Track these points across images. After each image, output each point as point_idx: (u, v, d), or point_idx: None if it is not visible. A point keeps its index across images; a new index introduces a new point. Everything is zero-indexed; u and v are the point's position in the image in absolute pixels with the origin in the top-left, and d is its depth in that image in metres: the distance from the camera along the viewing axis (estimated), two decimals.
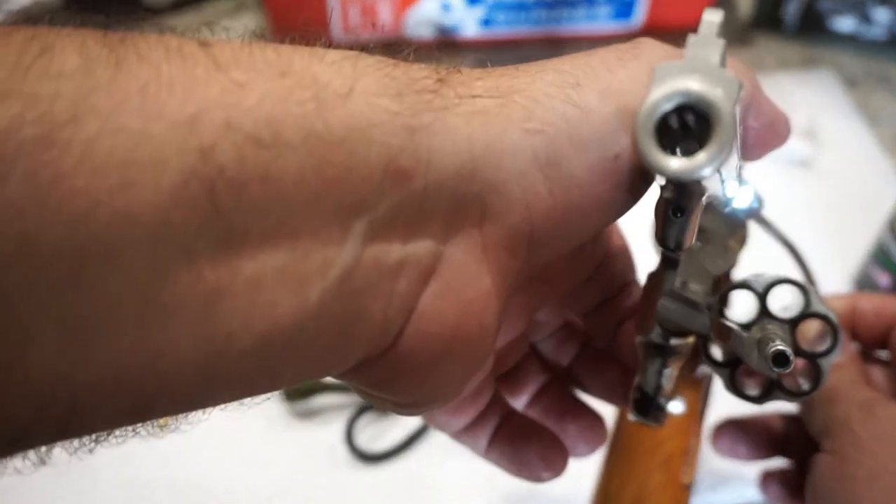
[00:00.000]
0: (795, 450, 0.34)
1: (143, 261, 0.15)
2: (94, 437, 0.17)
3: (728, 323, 0.27)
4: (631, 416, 0.28)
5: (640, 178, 0.21)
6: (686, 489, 0.36)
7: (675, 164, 0.17)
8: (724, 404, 0.37)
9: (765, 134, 0.27)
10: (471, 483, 0.48)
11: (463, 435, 0.30)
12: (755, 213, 0.32)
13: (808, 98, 0.75)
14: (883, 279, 0.55)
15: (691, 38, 0.18)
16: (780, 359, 0.24)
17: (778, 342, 0.24)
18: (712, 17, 0.19)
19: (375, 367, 0.20)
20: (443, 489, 0.47)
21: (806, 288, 0.28)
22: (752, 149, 0.27)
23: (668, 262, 0.26)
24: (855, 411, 0.30)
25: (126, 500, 0.47)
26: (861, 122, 0.74)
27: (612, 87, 0.21)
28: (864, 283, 0.57)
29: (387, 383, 0.21)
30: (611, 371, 0.31)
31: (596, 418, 0.32)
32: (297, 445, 0.50)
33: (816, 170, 0.69)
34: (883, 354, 0.36)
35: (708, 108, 0.17)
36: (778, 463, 0.36)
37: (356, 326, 0.18)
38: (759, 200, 0.32)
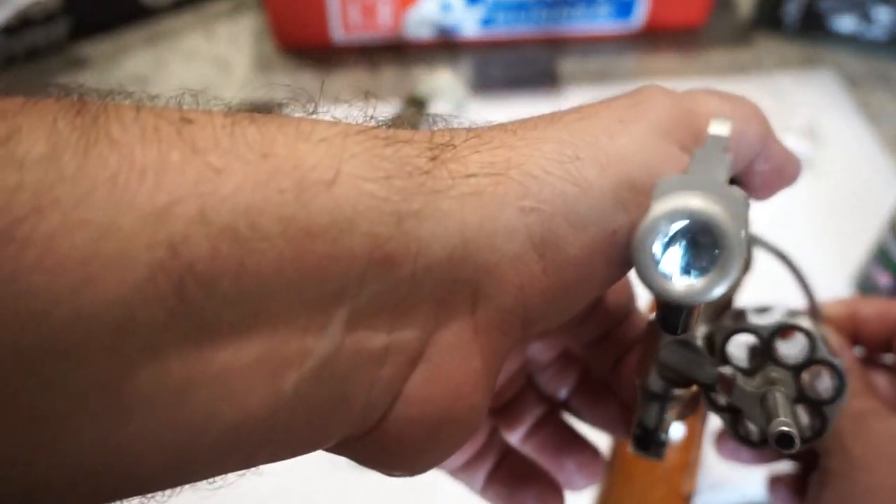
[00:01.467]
0: (801, 454, 0.34)
1: (105, 358, 0.14)
2: None
3: (730, 374, 0.26)
4: (631, 450, 0.28)
5: None
6: (687, 499, 0.36)
7: (678, 288, 0.16)
8: None
9: (773, 178, 0.26)
10: None
11: (458, 473, 0.30)
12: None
13: (809, 98, 0.75)
14: (883, 279, 0.55)
15: (697, 153, 0.17)
16: (785, 440, 0.23)
17: (781, 419, 0.23)
18: (720, 131, 0.17)
19: (358, 446, 0.20)
20: (442, 489, 0.47)
21: (811, 334, 0.27)
22: (759, 191, 0.27)
23: None
24: (849, 425, 0.30)
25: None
26: (861, 122, 0.73)
27: (611, 157, 0.20)
28: (865, 283, 0.57)
29: (372, 460, 0.20)
30: (610, 404, 0.31)
31: (593, 452, 0.31)
32: None
33: (817, 170, 0.69)
34: (887, 359, 0.35)
35: (713, 231, 0.16)
36: (784, 467, 0.36)
37: (335, 412, 0.18)
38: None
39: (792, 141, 0.69)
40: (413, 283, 0.18)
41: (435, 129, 0.21)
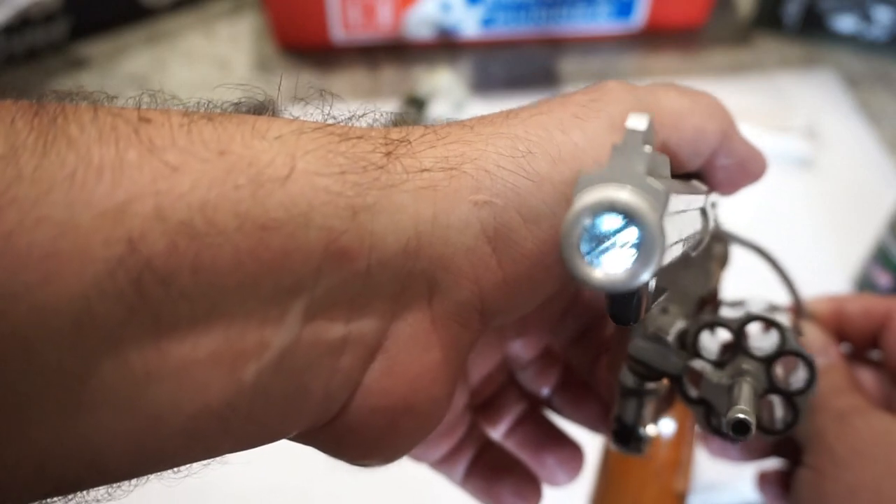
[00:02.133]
0: (790, 450, 0.34)
1: (64, 352, 0.15)
2: None
3: (698, 365, 0.27)
4: (611, 447, 0.28)
5: None
6: (681, 498, 0.36)
7: (599, 275, 0.16)
8: None
9: (736, 173, 0.26)
10: None
11: (439, 465, 0.30)
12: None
13: (809, 98, 0.75)
14: (883, 279, 0.55)
15: (615, 147, 0.17)
16: (740, 427, 0.23)
17: (740, 406, 0.23)
18: (636, 125, 0.18)
19: (320, 436, 0.20)
20: (442, 489, 0.47)
21: (780, 325, 0.27)
22: (723, 186, 0.27)
23: None
24: (832, 423, 0.30)
25: (122, 495, 0.47)
26: (862, 122, 0.73)
27: (564, 152, 0.21)
28: (865, 283, 0.57)
29: (334, 450, 0.21)
30: (591, 401, 0.31)
31: (574, 448, 0.31)
32: (296, 444, 0.50)
33: (817, 169, 0.69)
34: (873, 355, 0.35)
35: (633, 220, 0.16)
36: (773, 463, 0.36)
37: (295, 403, 0.18)
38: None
39: (792, 140, 0.69)
40: (368, 275, 0.18)
41: (391, 127, 0.21)
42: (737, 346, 0.28)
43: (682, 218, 0.20)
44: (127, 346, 0.15)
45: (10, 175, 0.14)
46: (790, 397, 0.27)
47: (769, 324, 0.28)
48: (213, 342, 0.16)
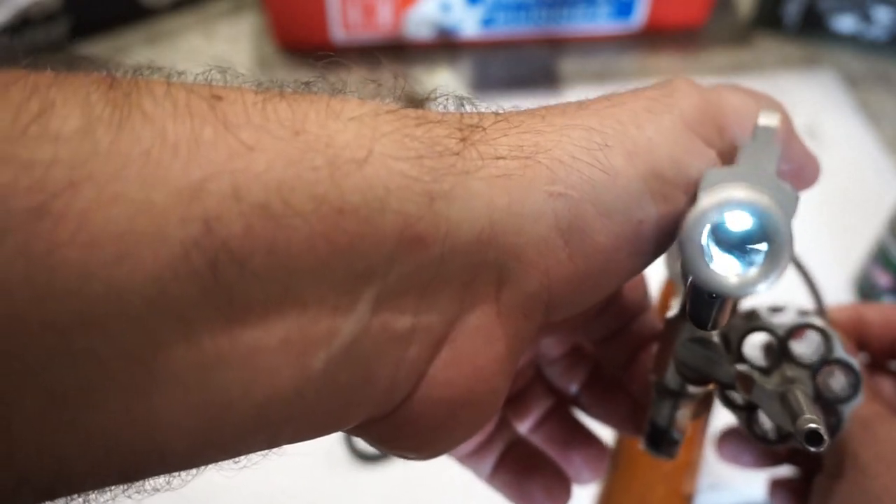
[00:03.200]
0: (803, 458, 0.33)
1: (137, 332, 0.15)
2: (80, 498, 0.16)
3: (748, 372, 0.26)
4: (642, 448, 0.28)
5: (660, 242, 0.21)
6: (688, 499, 0.36)
7: (732, 281, 0.16)
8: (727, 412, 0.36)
9: (794, 178, 0.25)
10: (471, 482, 0.48)
11: (467, 460, 0.30)
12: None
13: (809, 98, 0.75)
14: (883, 279, 0.55)
15: (746, 145, 0.16)
16: (814, 437, 0.22)
17: (808, 416, 0.23)
18: (769, 122, 0.17)
19: (379, 426, 0.20)
20: (442, 489, 0.47)
21: (827, 333, 0.27)
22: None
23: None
24: (856, 430, 0.29)
25: (122, 497, 0.47)
26: (862, 122, 0.73)
27: (639, 146, 0.20)
28: (865, 283, 0.57)
29: (390, 441, 0.20)
30: (620, 401, 0.31)
31: (600, 447, 0.31)
32: (296, 444, 0.50)
33: None
34: (893, 366, 0.35)
35: (763, 222, 0.15)
36: (785, 471, 0.36)
37: (361, 392, 0.18)
38: None
39: None
40: (441, 264, 0.18)
41: (463, 111, 0.21)
42: (782, 353, 0.27)
43: None
44: (199, 329, 0.15)
45: (87, 150, 0.14)
46: (834, 405, 0.27)
47: (815, 330, 0.27)
48: (284, 328, 0.16)
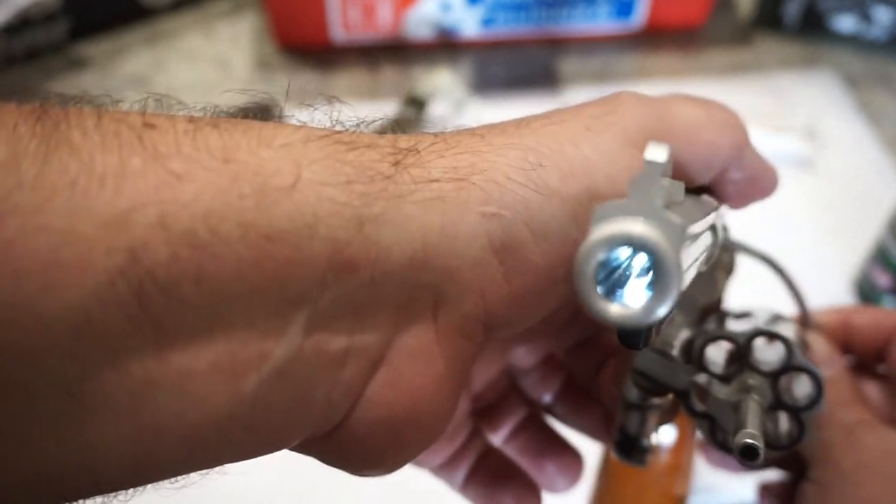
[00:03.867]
0: (792, 462, 0.33)
1: (65, 362, 0.15)
2: None
3: (703, 380, 0.27)
4: (614, 457, 0.28)
5: None
6: (680, 501, 0.36)
7: (615, 311, 0.16)
8: None
9: (747, 188, 0.26)
10: None
11: (439, 471, 0.30)
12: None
13: (809, 98, 0.75)
14: (883, 280, 0.55)
15: (634, 178, 0.17)
16: (748, 452, 0.23)
17: (748, 430, 0.23)
18: (655, 157, 0.17)
19: (322, 446, 0.20)
20: (442, 489, 0.47)
21: (787, 340, 0.27)
22: (733, 200, 0.26)
23: None
24: (839, 437, 0.29)
25: (122, 497, 0.47)
26: (862, 122, 0.73)
27: (575, 166, 0.20)
28: (865, 283, 0.57)
29: (336, 460, 0.21)
30: (593, 409, 0.31)
31: (574, 455, 0.31)
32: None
33: (817, 170, 0.69)
34: (880, 369, 0.35)
35: (651, 255, 0.16)
36: (774, 474, 0.36)
37: (295, 413, 0.18)
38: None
39: (792, 141, 0.69)
40: (373, 287, 0.18)
41: (399, 134, 0.21)
42: (742, 360, 0.27)
43: (697, 241, 0.20)
44: (128, 356, 0.15)
45: (12, 182, 0.14)
46: (796, 413, 0.27)
47: (775, 338, 0.27)
48: (214, 352, 0.16)
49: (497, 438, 0.31)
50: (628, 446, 0.27)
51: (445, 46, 0.80)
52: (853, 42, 0.80)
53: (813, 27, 0.81)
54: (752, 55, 0.81)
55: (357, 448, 0.20)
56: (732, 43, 0.82)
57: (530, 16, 0.78)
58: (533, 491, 0.30)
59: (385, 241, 0.18)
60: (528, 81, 0.77)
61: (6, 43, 0.74)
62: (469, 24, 0.78)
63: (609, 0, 0.78)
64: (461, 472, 0.30)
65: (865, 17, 0.79)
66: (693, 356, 0.27)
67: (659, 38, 0.82)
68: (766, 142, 0.69)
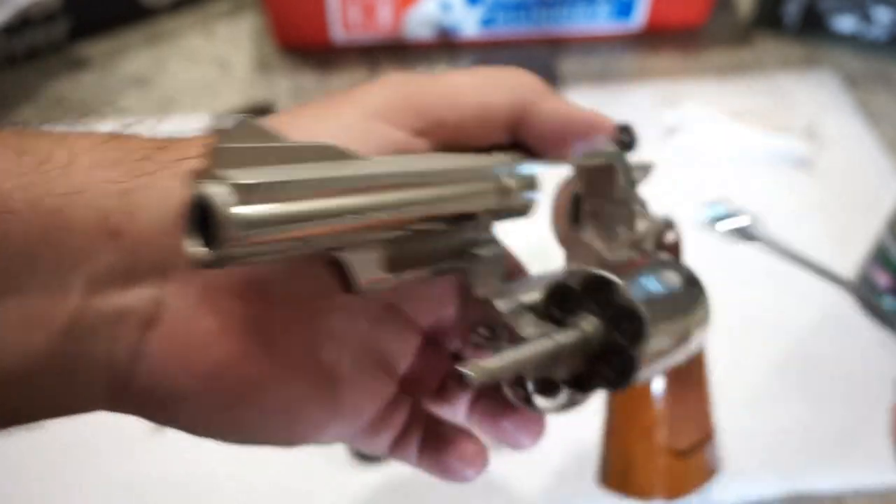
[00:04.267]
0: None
1: None
2: None
3: (536, 332, 0.28)
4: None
5: None
6: (685, 455, 0.37)
7: (192, 247, 0.19)
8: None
9: (554, 137, 0.28)
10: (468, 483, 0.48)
11: (392, 454, 0.32)
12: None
13: (809, 98, 0.75)
14: (882, 279, 0.55)
15: (215, 141, 0.20)
16: (466, 377, 0.24)
17: (484, 360, 0.24)
18: (224, 123, 0.21)
19: (124, 402, 0.23)
20: (441, 488, 0.47)
21: (611, 281, 0.28)
22: (550, 150, 0.29)
23: None
24: None
25: (124, 496, 0.47)
26: (861, 122, 0.73)
27: (314, 136, 0.24)
28: (864, 283, 0.57)
29: (142, 414, 0.23)
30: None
31: (531, 413, 0.32)
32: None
33: (817, 169, 0.69)
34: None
35: (202, 206, 0.19)
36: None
37: (84, 369, 0.21)
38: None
39: (792, 140, 0.69)
40: (136, 251, 0.21)
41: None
42: (575, 304, 0.29)
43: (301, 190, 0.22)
44: None
45: None
46: (627, 351, 0.28)
47: (602, 281, 0.29)
48: (6, 313, 0.19)
49: (459, 416, 0.33)
50: (527, 397, 0.30)
51: (445, 46, 0.80)
52: (853, 42, 0.81)
53: (813, 27, 0.81)
54: (753, 55, 0.81)
55: (151, 399, 0.23)
56: (732, 43, 0.83)
57: (530, 16, 0.78)
58: (476, 446, 0.32)
59: (143, 207, 0.21)
60: None
61: (6, 43, 0.74)
62: (469, 24, 0.78)
63: (609, 0, 0.78)
64: (412, 450, 0.32)
65: (865, 17, 0.79)
66: (538, 307, 0.29)
67: (659, 37, 0.82)
68: (766, 141, 0.69)
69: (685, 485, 0.39)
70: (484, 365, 0.24)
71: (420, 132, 0.26)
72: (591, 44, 0.81)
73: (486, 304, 0.28)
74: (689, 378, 0.38)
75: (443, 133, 0.27)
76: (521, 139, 0.28)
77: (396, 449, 0.32)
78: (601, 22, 0.80)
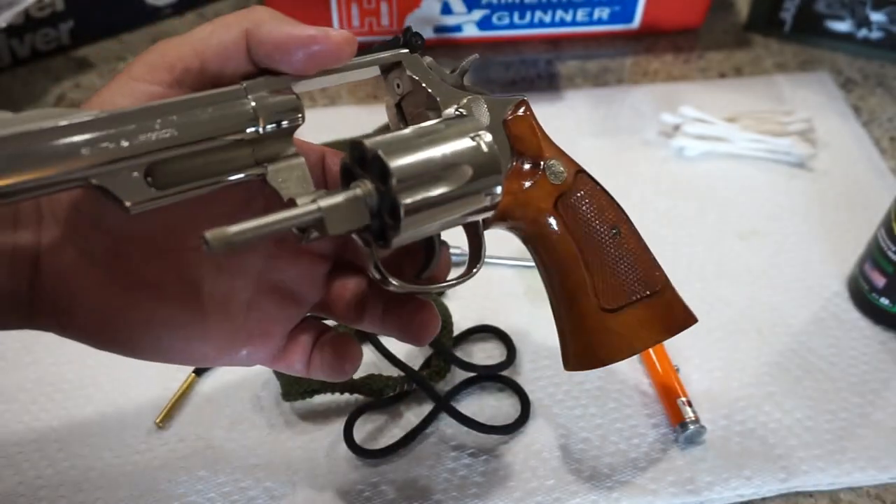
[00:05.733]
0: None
1: None
2: None
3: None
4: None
5: None
6: (617, 311, 0.41)
7: None
8: None
9: (280, 57, 0.32)
10: (469, 480, 0.48)
11: (309, 373, 0.39)
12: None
13: (806, 100, 0.76)
14: (877, 279, 0.56)
15: None
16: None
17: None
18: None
19: (30, 322, 0.33)
20: (440, 488, 0.48)
21: (360, 144, 0.33)
22: (294, 70, 0.32)
23: None
24: None
25: (126, 498, 0.47)
26: (858, 124, 0.74)
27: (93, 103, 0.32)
28: (859, 283, 0.58)
29: (54, 331, 0.33)
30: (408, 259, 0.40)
31: (428, 309, 0.39)
32: (298, 445, 0.50)
33: (813, 171, 0.70)
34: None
35: None
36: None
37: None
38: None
39: (789, 142, 0.69)
40: (12, 205, 0.29)
41: None
42: (362, 169, 0.34)
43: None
44: None
45: None
46: (394, 209, 0.33)
47: (357, 153, 0.34)
48: None
49: (375, 324, 0.39)
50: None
51: (445, 46, 0.80)
52: (849, 44, 0.81)
53: (809, 29, 0.81)
54: (749, 57, 0.82)
55: (51, 318, 0.32)
56: (729, 45, 0.83)
57: (530, 16, 0.79)
58: (351, 345, 0.39)
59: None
60: (528, 82, 0.78)
61: (10, 44, 0.75)
62: (469, 25, 0.79)
63: (608, 1, 0.79)
64: (300, 361, 0.39)
65: (861, 19, 0.79)
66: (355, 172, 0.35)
67: (657, 39, 0.83)
68: (763, 142, 0.70)
69: (636, 340, 0.41)
70: (224, 230, 0.28)
71: (174, 83, 0.32)
72: (590, 44, 0.82)
73: (290, 202, 0.32)
74: (600, 240, 0.40)
75: (192, 78, 0.32)
76: (261, 64, 0.33)
77: (311, 368, 0.39)
78: (600, 22, 0.81)
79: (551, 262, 0.41)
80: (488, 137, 0.36)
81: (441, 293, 0.58)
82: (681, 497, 0.48)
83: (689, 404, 0.51)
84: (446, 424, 0.51)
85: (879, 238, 0.55)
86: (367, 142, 0.33)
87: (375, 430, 0.51)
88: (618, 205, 0.41)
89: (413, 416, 0.51)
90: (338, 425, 0.50)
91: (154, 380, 0.52)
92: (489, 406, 0.52)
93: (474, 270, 0.39)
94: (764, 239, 0.64)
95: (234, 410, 0.52)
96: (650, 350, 0.53)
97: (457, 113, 0.37)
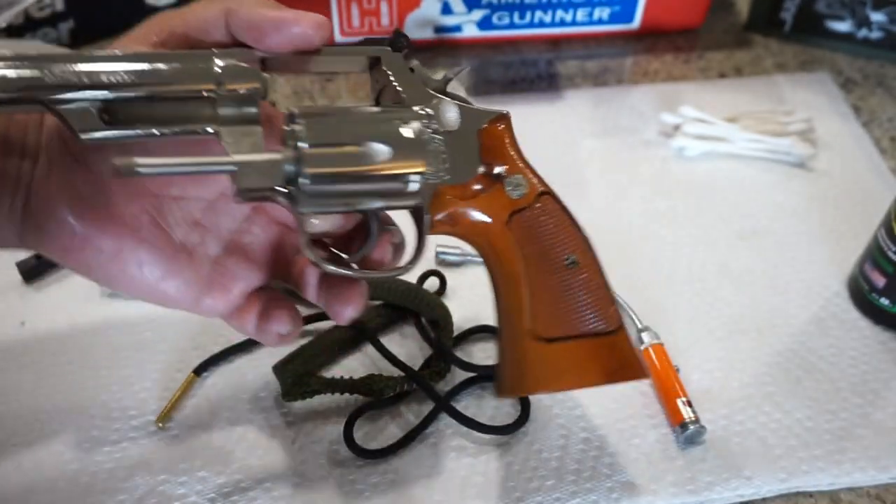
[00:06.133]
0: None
1: None
2: None
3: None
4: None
5: None
6: (553, 342, 0.40)
7: None
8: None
9: (256, 34, 0.36)
10: (469, 480, 0.48)
11: (230, 319, 0.42)
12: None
13: (806, 100, 0.76)
14: (878, 279, 0.56)
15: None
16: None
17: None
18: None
19: (22, 242, 0.38)
20: (440, 486, 0.48)
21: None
22: (269, 46, 0.36)
23: None
24: None
25: (126, 499, 0.47)
26: (858, 124, 0.74)
27: None
28: (859, 283, 0.58)
29: (43, 252, 0.38)
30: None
31: (355, 284, 0.41)
32: (298, 445, 0.50)
33: (813, 171, 0.70)
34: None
35: None
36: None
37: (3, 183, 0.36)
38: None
39: (789, 142, 0.69)
40: (22, 146, 0.36)
41: None
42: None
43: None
44: None
45: None
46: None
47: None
48: None
49: (312, 293, 0.42)
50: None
51: (445, 47, 0.80)
52: (849, 44, 0.81)
53: (810, 29, 0.82)
54: (750, 57, 0.82)
55: (41, 238, 0.37)
56: (729, 45, 0.83)
57: (530, 16, 0.79)
58: (291, 311, 0.42)
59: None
60: (528, 82, 0.78)
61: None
62: (469, 25, 0.79)
63: (608, 1, 0.79)
64: (252, 318, 0.42)
65: (862, 19, 0.79)
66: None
67: (657, 39, 0.83)
68: (763, 143, 0.70)
69: (568, 377, 0.39)
70: (133, 160, 0.32)
71: (159, 44, 0.36)
72: (591, 44, 0.82)
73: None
74: (550, 266, 0.40)
75: (175, 40, 0.37)
76: (239, 40, 0.36)
77: (233, 317, 0.42)
78: (600, 22, 0.81)
79: (495, 276, 0.40)
80: (417, 126, 0.37)
81: (384, 282, 0.56)
82: (681, 497, 0.48)
83: (689, 404, 0.51)
84: (446, 424, 0.51)
85: (879, 238, 0.55)
86: (297, 108, 0.37)
87: (375, 430, 0.51)
88: (584, 236, 0.41)
89: (413, 416, 0.51)
90: (338, 425, 0.50)
91: (154, 380, 0.52)
92: (489, 406, 0.52)
93: (408, 265, 0.41)
94: (764, 239, 0.64)
95: (234, 410, 0.52)
96: (650, 350, 0.53)
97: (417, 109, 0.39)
